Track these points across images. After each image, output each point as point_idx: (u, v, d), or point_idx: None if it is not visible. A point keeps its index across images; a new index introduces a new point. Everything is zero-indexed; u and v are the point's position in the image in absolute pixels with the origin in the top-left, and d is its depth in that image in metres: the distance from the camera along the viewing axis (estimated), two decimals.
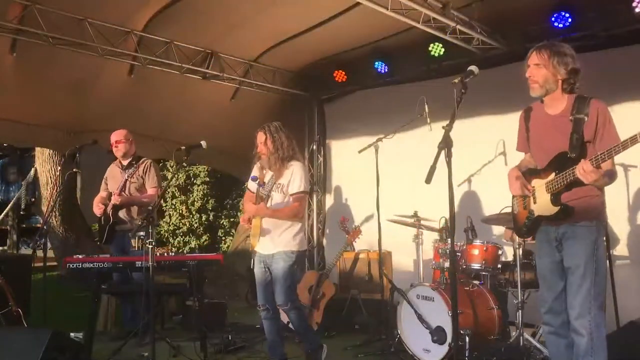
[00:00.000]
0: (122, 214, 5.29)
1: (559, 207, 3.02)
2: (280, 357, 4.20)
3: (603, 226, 3.13)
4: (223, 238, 11.13)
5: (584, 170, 2.80)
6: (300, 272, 4.79)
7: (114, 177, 5.43)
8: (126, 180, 5.24)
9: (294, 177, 4.06)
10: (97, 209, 5.34)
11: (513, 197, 3.42)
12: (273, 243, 4.11)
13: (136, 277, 4.72)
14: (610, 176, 2.97)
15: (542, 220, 3.14)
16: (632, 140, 2.64)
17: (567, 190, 3.00)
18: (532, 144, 3.25)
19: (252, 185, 4.28)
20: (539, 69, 3.06)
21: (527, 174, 3.25)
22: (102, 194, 5.46)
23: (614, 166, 3.00)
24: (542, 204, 3.12)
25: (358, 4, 4.73)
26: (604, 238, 3.23)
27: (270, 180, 4.17)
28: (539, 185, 3.14)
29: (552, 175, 3.05)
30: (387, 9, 4.64)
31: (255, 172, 4.24)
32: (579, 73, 3.05)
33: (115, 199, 5.20)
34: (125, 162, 5.39)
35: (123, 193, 5.25)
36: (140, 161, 5.40)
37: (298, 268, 4.26)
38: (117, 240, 5.32)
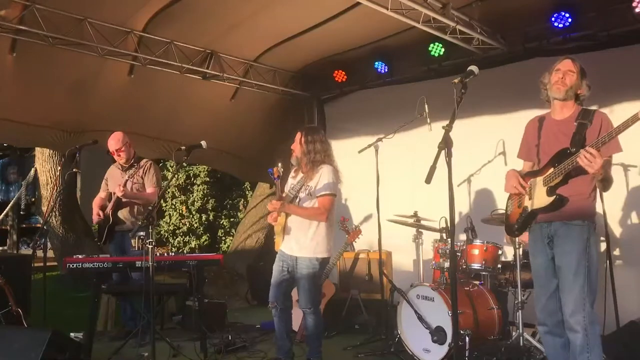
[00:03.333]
0: (121, 214, 5.29)
1: (554, 197, 3.06)
2: (287, 355, 4.21)
3: (594, 227, 3.17)
4: (223, 238, 11.13)
5: (590, 154, 2.83)
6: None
7: (114, 178, 5.42)
8: (127, 180, 5.23)
9: (322, 179, 4.07)
10: (96, 216, 5.34)
11: (508, 198, 3.45)
12: (298, 245, 4.10)
13: (135, 276, 4.72)
14: (609, 167, 3.03)
15: (536, 213, 3.17)
16: (633, 119, 2.70)
17: (563, 183, 3.05)
18: (542, 153, 3.29)
19: (286, 186, 4.36)
20: (572, 76, 3.19)
21: (526, 175, 3.30)
22: (102, 194, 5.48)
23: (611, 159, 3.08)
24: (538, 197, 3.17)
25: (358, 4, 4.72)
26: (598, 238, 3.27)
27: (299, 181, 4.20)
28: (537, 181, 3.18)
29: (551, 170, 3.09)
30: (387, 9, 4.64)
31: (292, 172, 4.33)
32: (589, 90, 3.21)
33: (119, 191, 5.16)
34: (126, 164, 5.39)
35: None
36: (141, 162, 5.40)
37: (322, 273, 4.27)
38: (117, 240, 5.33)
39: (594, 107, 3.28)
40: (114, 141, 5.31)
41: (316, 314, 4.16)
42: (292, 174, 4.35)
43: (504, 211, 3.58)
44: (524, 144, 3.45)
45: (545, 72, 3.32)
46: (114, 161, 5.51)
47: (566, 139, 3.09)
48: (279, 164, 4.10)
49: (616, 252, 5.04)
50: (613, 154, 3.06)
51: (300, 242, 4.10)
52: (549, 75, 3.26)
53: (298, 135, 4.22)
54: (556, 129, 3.20)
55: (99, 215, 5.31)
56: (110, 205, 5.28)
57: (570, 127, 3.11)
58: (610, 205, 4.68)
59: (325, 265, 4.21)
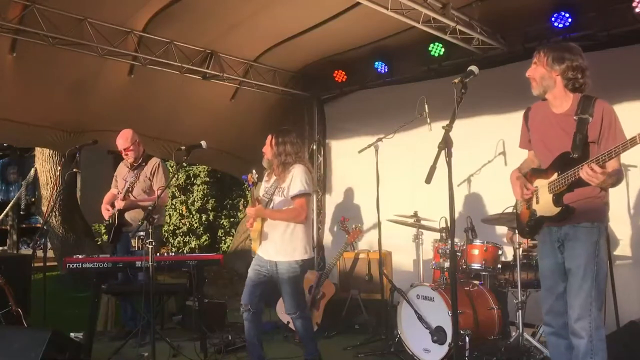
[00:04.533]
0: (128, 215, 5.29)
1: (561, 207, 3.01)
2: (258, 358, 4.14)
3: (605, 228, 3.11)
4: (223, 238, 11.13)
5: (593, 170, 2.77)
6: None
7: (122, 176, 5.44)
8: (132, 183, 5.21)
9: (294, 179, 4.01)
10: (105, 211, 5.34)
11: None
12: (276, 250, 4.04)
13: (141, 277, 4.72)
14: (617, 174, 2.95)
15: (545, 220, 3.13)
16: (632, 142, 2.64)
17: (569, 191, 2.99)
18: (534, 142, 3.25)
19: (260, 190, 4.31)
20: (536, 67, 3.11)
21: (531, 173, 3.25)
22: (113, 191, 5.50)
23: (620, 165, 2.98)
24: (544, 204, 3.11)
25: (358, 4, 4.72)
26: (606, 239, 3.22)
27: (272, 184, 4.16)
28: (542, 185, 3.13)
29: (555, 176, 3.04)
30: (387, 9, 4.64)
31: (265, 176, 4.28)
32: (584, 70, 3.05)
33: (118, 204, 5.19)
34: (134, 163, 5.38)
35: (129, 195, 5.22)
36: (149, 161, 5.38)
37: (304, 275, 4.22)
38: (124, 240, 5.33)
39: None
40: (123, 139, 5.28)
41: (303, 318, 4.12)
42: (265, 177, 4.29)
43: (512, 210, 3.55)
44: (522, 134, 3.38)
45: None
46: (117, 159, 5.51)
47: (566, 135, 3.02)
48: (253, 171, 4.07)
49: (616, 252, 5.03)
50: None
51: (278, 246, 4.03)
52: None
53: (269, 138, 4.16)
54: (555, 122, 3.12)
55: (109, 210, 5.32)
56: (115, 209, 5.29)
57: (570, 123, 3.02)
58: (611, 205, 4.66)
59: (307, 266, 4.12)
